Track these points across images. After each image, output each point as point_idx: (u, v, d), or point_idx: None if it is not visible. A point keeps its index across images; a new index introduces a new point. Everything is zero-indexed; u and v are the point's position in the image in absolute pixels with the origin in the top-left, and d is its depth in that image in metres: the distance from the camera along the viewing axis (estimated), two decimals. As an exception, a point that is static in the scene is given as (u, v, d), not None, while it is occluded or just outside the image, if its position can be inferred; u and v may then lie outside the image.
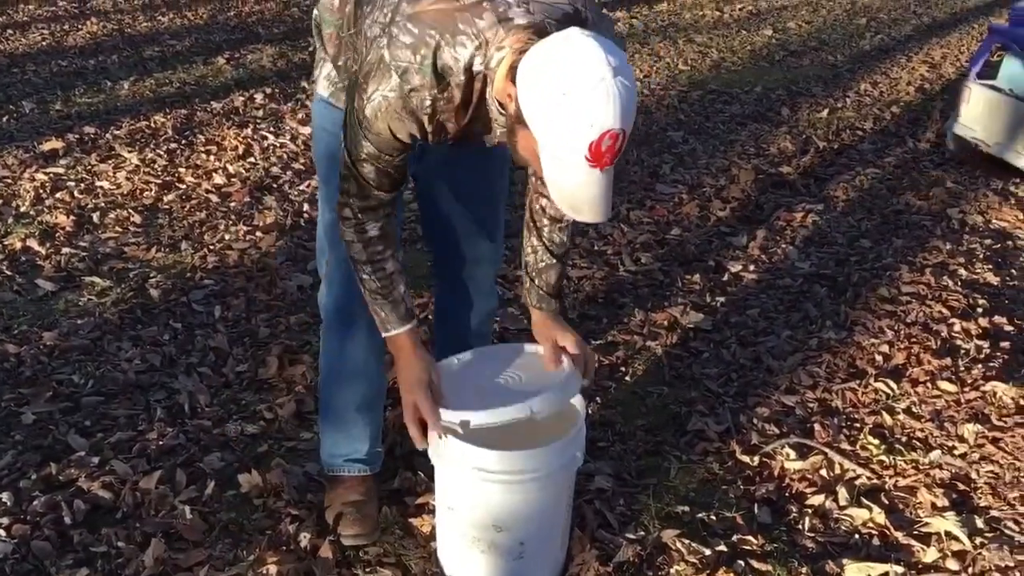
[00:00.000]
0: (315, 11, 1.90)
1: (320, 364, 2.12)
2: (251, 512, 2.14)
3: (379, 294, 1.76)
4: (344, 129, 1.64)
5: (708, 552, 2.03)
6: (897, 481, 2.30)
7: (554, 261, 1.90)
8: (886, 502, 2.22)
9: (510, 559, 1.83)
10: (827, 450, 2.38)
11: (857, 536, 2.12)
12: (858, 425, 2.51)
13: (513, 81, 1.40)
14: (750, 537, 2.10)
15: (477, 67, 1.47)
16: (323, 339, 2.10)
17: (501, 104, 1.49)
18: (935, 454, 2.39)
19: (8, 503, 2.12)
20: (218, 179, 4.10)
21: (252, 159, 4.36)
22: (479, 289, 2.20)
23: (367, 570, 1.97)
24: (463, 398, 1.77)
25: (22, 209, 3.71)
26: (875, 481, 2.30)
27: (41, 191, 3.89)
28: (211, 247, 3.46)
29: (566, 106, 1.31)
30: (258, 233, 3.57)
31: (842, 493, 2.24)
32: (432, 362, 1.80)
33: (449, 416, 1.71)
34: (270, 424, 2.46)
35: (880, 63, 6.79)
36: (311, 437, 2.39)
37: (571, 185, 1.39)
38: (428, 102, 1.51)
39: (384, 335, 1.79)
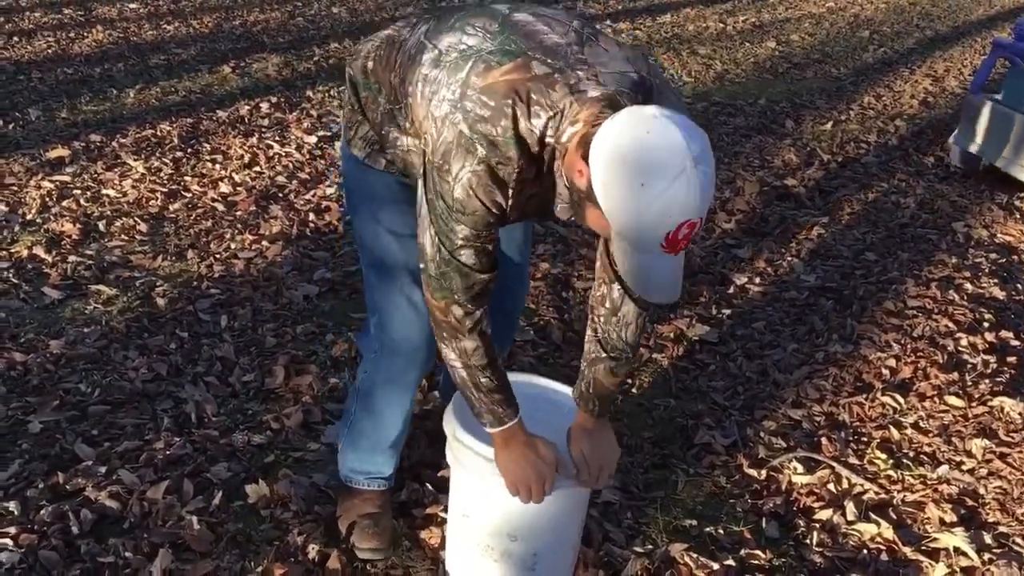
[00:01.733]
0: (349, 69, 1.82)
1: (359, 389, 2.04)
2: (258, 523, 2.13)
3: (496, 392, 1.66)
4: (427, 228, 1.55)
5: (716, 566, 2.03)
6: (905, 496, 2.30)
7: (604, 355, 1.74)
8: (894, 517, 2.22)
9: (523, 570, 1.83)
10: (835, 464, 2.38)
11: (865, 551, 2.12)
12: (865, 439, 2.51)
13: (584, 158, 1.35)
14: (758, 551, 2.09)
15: (549, 139, 1.43)
16: (371, 369, 2.00)
17: (570, 180, 1.44)
18: (943, 469, 2.38)
19: (15, 512, 2.12)
20: (224, 188, 4.10)
21: (258, 168, 4.37)
22: (504, 330, 2.15)
23: (375, 582, 1.96)
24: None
25: (28, 217, 3.71)
26: (883, 496, 2.30)
27: (47, 199, 3.89)
28: (217, 256, 3.47)
29: (645, 198, 1.26)
30: (264, 242, 3.58)
31: (850, 508, 2.24)
32: (549, 446, 1.72)
33: None
34: (277, 434, 2.45)
35: (883, 76, 6.81)
36: (318, 448, 2.39)
37: (643, 269, 1.36)
38: (515, 173, 1.46)
39: (494, 430, 1.68)
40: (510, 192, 1.47)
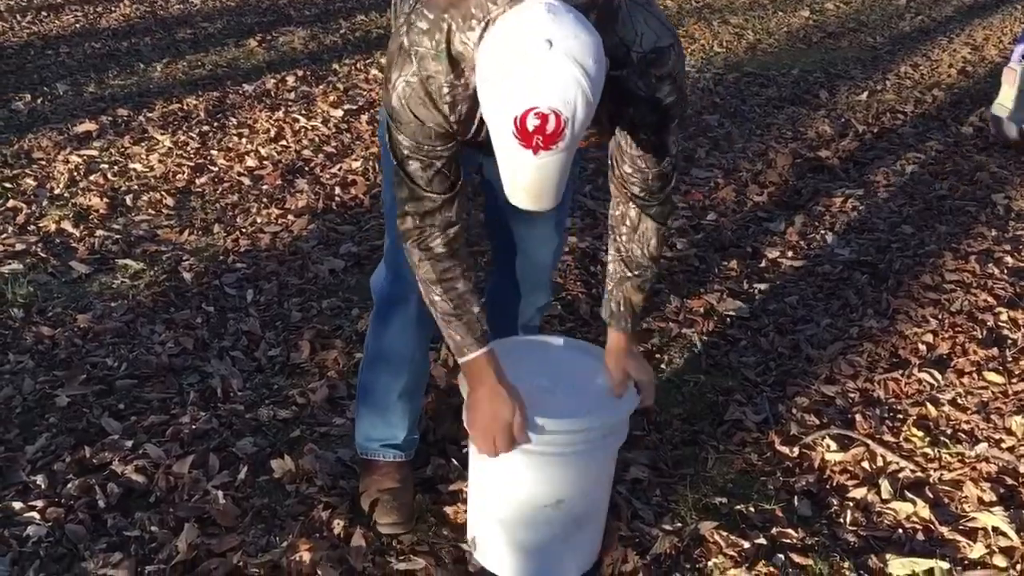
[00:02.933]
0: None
1: (365, 346, 2.09)
2: (284, 498, 2.12)
3: (452, 316, 1.66)
4: (388, 132, 1.58)
5: (747, 545, 1.99)
6: (942, 475, 2.24)
7: (630, 274, 1.75)
8: (931, 496, 2.17)
9: (556, 541, 1.81)
10: (869, 442, 2.33)
11: (901, 530, 2.07)
12: (901, 416, 2.45)
13: None
14: (790, 530, 2.05)
15: None
16: (371, 322, 2.06)
17: None
18: (982, 447, 2.32)
19: (43, 486, 2.12)
20: (250, 162, 4.09)
21: (284, 142, 4.35)
22: (535, 285, 2.17)
23: (400, 558, 1.94)
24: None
25: (56, 191, 3.72)
26: (919, 474, 2.24)
27: (75, 173, 3.89)
28: (243, 230, 3.45)
29: (497, 82, 1.25)
30: (290, 216, 3.56)
31: (885, 486, 2.19)
32: (517, 396, 1.67)
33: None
34: (302, 409, 2.44)
35: (921, 45, 6.64)
36: (344, 423, 2.37)
37: (507, 168, 1.32)
38: (446, 89, 1.46)
39: (460, 360, 1.69)
40: (444, 108, 1.47)
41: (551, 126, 1.24)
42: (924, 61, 6.19)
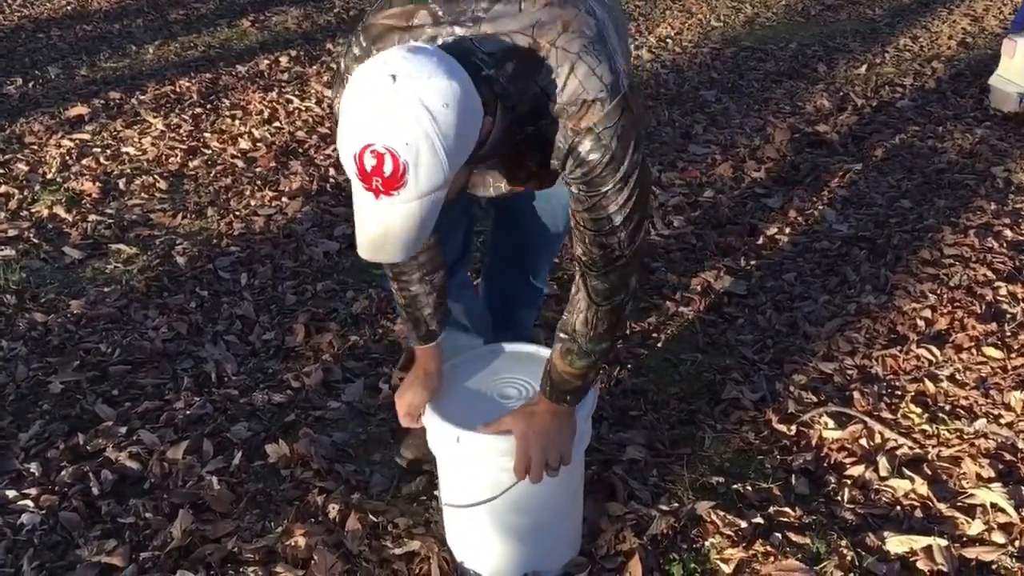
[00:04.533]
0: None
1: None
2: (279, 483, 2.11)
3: (404, 309, 1.77)
4: None
5: (744, 524, 1.97)
6: (940, 451, 2.22)
7: (560, 335, 1.61)
8: (929, 473, 2.15)
9: (528, 543, 1.79)
10: (867, 419, 2.31)
11: (898, 508, 2.06)
12: (899, 393, 2.44)
13: None
14: (787, 509, 2.04)
15: None
16: None
17: None
18: (980, 423, 2.31)
19: (36, 473, 2.11)
20: (244, 144, 4.06)
21: (277, 123, 4.31)
22: (528, 301, 2.25)
23: (396, 541, 1.93)
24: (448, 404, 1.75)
25: (48, 176, 3.69)
26: (917, 451, 2.23)
27: (67, 157, 3.87)
28: (237, 213, 3.43)
29: (343, 113, 1.20)
30: (284, 199, 3.53)
31: (883, 463, 2.17)
32: (432, 388, 1.75)
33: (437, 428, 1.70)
34: (297, 393, 2.43)
35: (920, 17, 6.57)
36: (339, 406, 2.36)
37: (356, 212, 1.26)
38: None
39: (405, 344, 1.76)
40: None
41: (388, 168, 1.16)
42: (924, 33, 6.13)
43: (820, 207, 3.51)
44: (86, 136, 4.09)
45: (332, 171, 3.78)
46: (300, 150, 4.01)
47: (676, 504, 2.05)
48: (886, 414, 2.36)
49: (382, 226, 1.23)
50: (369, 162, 1.17)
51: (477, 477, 1.70)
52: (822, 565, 1.88)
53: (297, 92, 4.70)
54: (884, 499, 2.09)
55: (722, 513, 2.00)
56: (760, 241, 3.26)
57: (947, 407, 2.38)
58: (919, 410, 2.36)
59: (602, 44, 1.37)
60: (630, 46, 1.60)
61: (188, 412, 2.33)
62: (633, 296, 1.61)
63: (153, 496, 2.06)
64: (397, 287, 1.74)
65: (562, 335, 1.61)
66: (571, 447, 1.67)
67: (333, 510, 2.00)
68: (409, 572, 1.86)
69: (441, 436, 1.70)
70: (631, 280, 1.56)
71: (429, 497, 2.07)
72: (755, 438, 2.28)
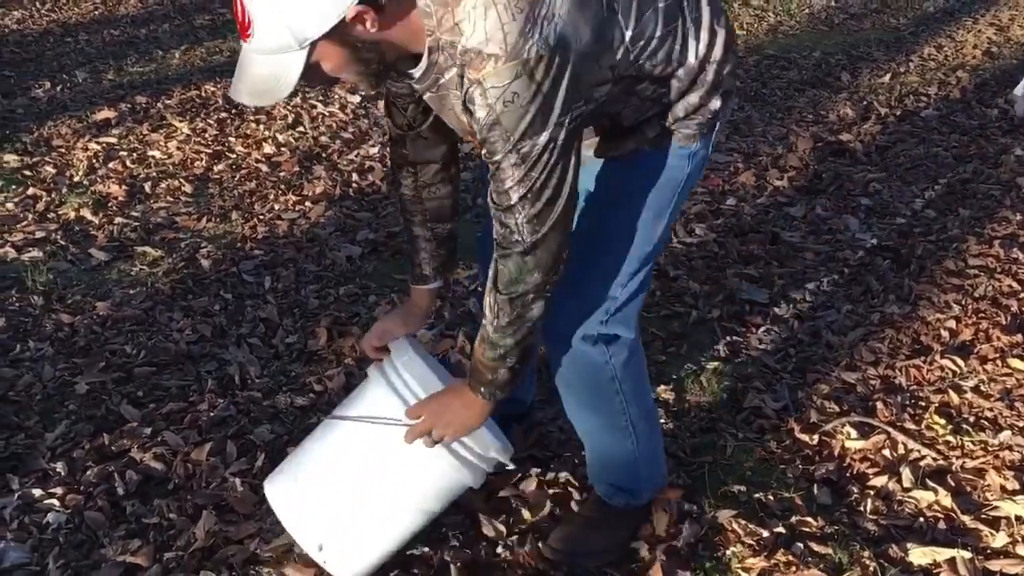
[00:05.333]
0: None
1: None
2: (301, 485, 2.12)
3: (406, 243, 1.86)
4: None
5: (766, 533, 1.97)
6: (964, 463, 2.21)
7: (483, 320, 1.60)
8: (953, 484, 2.14)
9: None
10: (890, 429, 2.30)
11: (922, 519, 2.05)
12: (923, 404, 2.42)
13: None
14: (809, 519, 2.03)
15: None
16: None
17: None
18: (1005, 435, 2.29)
19: (62, 473, 2.14)
20: (268, 148, 4.09)
21: (301, 128, 4.34)
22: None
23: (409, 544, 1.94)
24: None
25: (76, 179, 3.74)
26: (941, 462, 2.22)
27: (94, 161, 3.91)
28: (261, 217, 3.46)
29: None
30: (307, 203, 3.56)
31: (906, 474, 2.16)
32: (413, 326, 1.88)
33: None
34: (319, 396, 2.44)
35: (945, 26, 6.54)
36: (360, 410, 2.37)
37: None
38: None
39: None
40: None
41: (239, 14, 1.32)
42: (948, 42, 6.10)
43: (843, 216, 3.50)
44: (113, 140, 4.13)
45: (355, 176, 3.80)
46: (323, 155, 4.04)
47: (698, 512, 2.04)
48: (910, 425, 2.34)
49: (239, 66, 1.37)
50: (235, 7, 1.33)
51: (374, 408, 1.71)
52: (844, 576, 1.87)
53: (321, 98, 4.73)
54: (907, 510, 2.08)
55: (744, 522, 2.00)
56: (782, 250, 3.25)
57: (971, 418, 2.36)
58: (943, 421, 2.34)
59: (530, 4, 1.32)
60: (626, 31, 1.46)
61: (212, 414, 2.35)
62: (543, 297, 1.50)
63: (177, 497, 2.07)
64: (403, 221, 1.83)
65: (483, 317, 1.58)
66: (461, 435, 1.65)
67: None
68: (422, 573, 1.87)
69: (388, 363, 1.75)
70: (535, 275, 1.47)
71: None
72: (777, 447, 2.28)
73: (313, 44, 1.30)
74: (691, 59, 1.56)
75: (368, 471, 1.72)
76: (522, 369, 1.60)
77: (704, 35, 1.57)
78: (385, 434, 1.68)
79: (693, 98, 1.60)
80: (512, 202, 1.42)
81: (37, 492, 2.07)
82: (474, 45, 1.33)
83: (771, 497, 2.10)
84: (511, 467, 1.83)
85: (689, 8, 1.56)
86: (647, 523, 1.98)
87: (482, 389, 1.61)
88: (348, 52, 1.35)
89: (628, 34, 1.46)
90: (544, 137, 1.37)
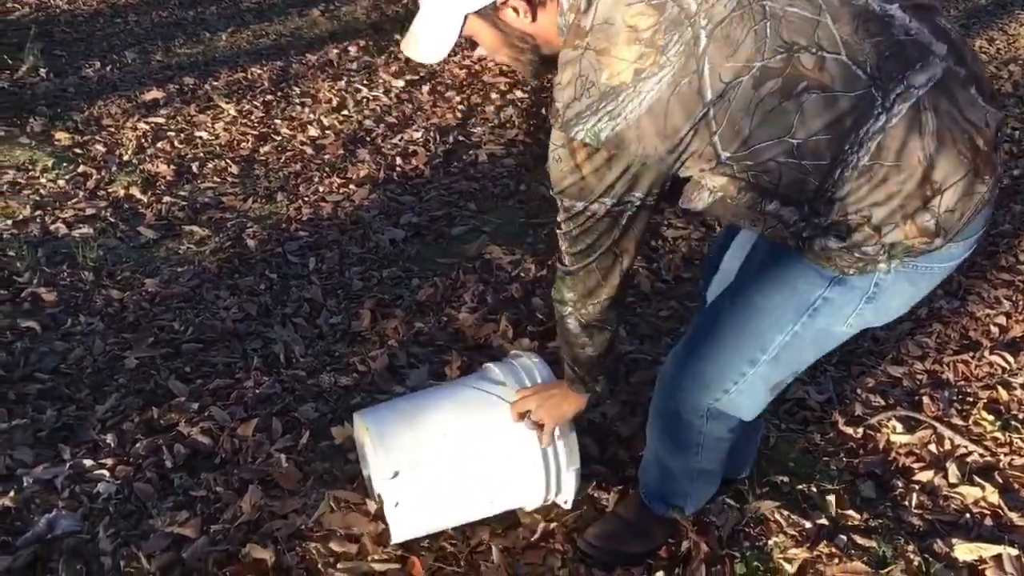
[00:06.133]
0: None
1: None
2: (344, 463, 2.14)
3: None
4: None
5: (808, 525, 1.96)
6: (1013, 459, 2.18)
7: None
8: (1000, 481, 2.11)
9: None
10: (937, 424, 2.27)
11: (968, 515, 2.02)
12: (971, 400, 2.39)
13: None
14: (852, 512, 2.02)
15: None
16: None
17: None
18: (1055, 433, 2.25)
19: (112, 444, 2.18)
20: (313, 131, 4.12)
21: (346, 112, 4.37)
22: None
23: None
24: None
25: (125, 158, 3.79)
26: (988, 459, 2.19)
27: (143, 140, 3.96)
28: (306, 199, 3.48)
29: None
30: (351, 186, 3.58)
31: (952, 470, 2.14)
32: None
33: None
34: (363, 376, 2.46)
35: (997, 19, 6.41)
36: (403, 391, 2.39)
37: None
38: None
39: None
40: None
41: None
42: (1000, 35, 5.98)
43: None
44: (161, 120, 4.18)
45: (399, 160, 3.81)
46: (368, 139, 4.06)
47: (740, 502, 2.03)
48: (957, 420, 2.31)
49: (413, 23, 1.44)
50: None
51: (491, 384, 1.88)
52: (888, 569, 1.86)
53: (365, 81, 4.75)
54: (953, 506, 2.06)
55: (786, 513, 1.99)
56: (828, 242, 3.21)
57: (1020, 415, 2.33)
58: (991, 417, 2.31)
59: (602, 94, 1.28)
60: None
61: (257, 391, 2.38)
62: (575, 318, 1.58)
63: (224, 471, 2.11)
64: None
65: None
66: (556, 421, 1.79)
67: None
68: (455, 552, 1.88)
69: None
70: (569, 294, 1.55)
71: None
72: (821, 439, 2.26)
73: (466, 17, 1.38)
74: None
75: (462, 430, 1.82)
76: (580, 367, 1.69)
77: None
78: (492, 404, 1.83)
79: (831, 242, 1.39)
80: (559, 230, 1.48)
81: (88, 462, 2.11)
82: (556, 85, 1.35)
83: (814, 489, 2.08)
84: (567, 505, 1.92)
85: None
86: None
87: (568, 382, 1.75)
88: (498, 35, 1.42)
89: (724, 153, 1.31)
90: (580, 205, 1.40)
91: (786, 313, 1.50)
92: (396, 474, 1.75)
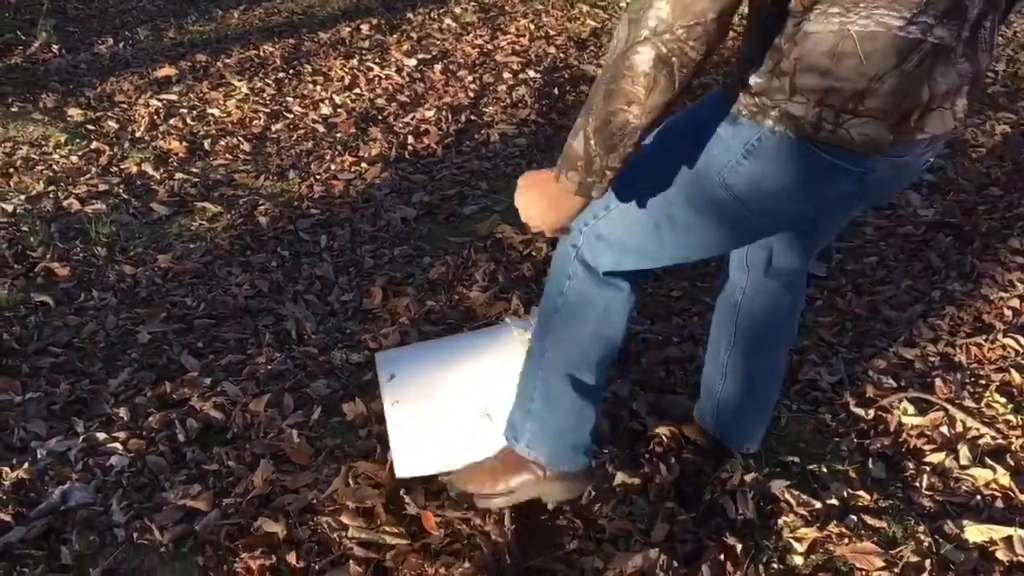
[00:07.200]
0: None
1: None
2: (355, 439, 2.15)
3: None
4: None
5: (818, 505, 1.96)
6: (1024, 442, 2.17)
7: None
8: (1012, 463, 2.10)
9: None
10: (948, 406, 2.27)
11: (979, 497, 2.02)
12: (983, 382, 2.38)
13: None
14: (863, 492, 2.02)
15: None
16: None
17: None
18: (1067, 416, 2.25)
19: (125, 418, 2.19)
20: (324, 109, 4.11)
21: (358, 90, 4.36)
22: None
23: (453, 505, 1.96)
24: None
25: (137, 134, 3.79)
26: (1000, 441, 2.18)
27: (155, 117, 3.96)
28: (317, 176, 3.48)
29: None
30: (363, 164, 3.57)
31: (963, 452, 2.13)
32: None
33: None
34: (374, 353, 2.46)
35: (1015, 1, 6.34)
36: (415, 368, 2.39)
37: None
38: None
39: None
40: None
41: None
42: (1017, 18, 5.91)
43: (905, 191, 3.43)
44: (173, 97, 4.18)
45: (411, 139, 3.80)
46: (379, 117, 4.05)
47: (751, 481, 2.03)
48: (969, 403, 2.31)
49: None
50: None
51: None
52: (898, 549, 1.86)
53: (377, 60, 4.74)
54: (964, 488, 2.05)
55: (796, 492, 1.99)
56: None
57: (1033, 399, 2.32)
58: (1003, 400, 2.30)
59: None
60: None
61: (269, 367, 2.38)
62: (651, 45, 1.23)
63: (236, 445, 2.12)
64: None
65: None
66: (540, 222, 1.49)
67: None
68: (458, 531, 1.89)
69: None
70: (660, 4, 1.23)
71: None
72: (832, 420, 2.26)
73: None
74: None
75: (463, 359, 1.93)
76: (603, 141, 1.33)
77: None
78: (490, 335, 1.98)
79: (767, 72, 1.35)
80: None
81: (101, 436, 2.13)
82: None
83: (825, 469, 2.08)
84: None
85: None
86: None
87: (560, 173, 1.40)
88: None
89: None
90: None
91: (684, 137, 1.46)
92: (392, 376, 1.89)
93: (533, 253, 2.95)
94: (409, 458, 1.85)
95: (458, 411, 1.85)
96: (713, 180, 1.43)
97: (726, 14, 1.22)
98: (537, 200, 1.48)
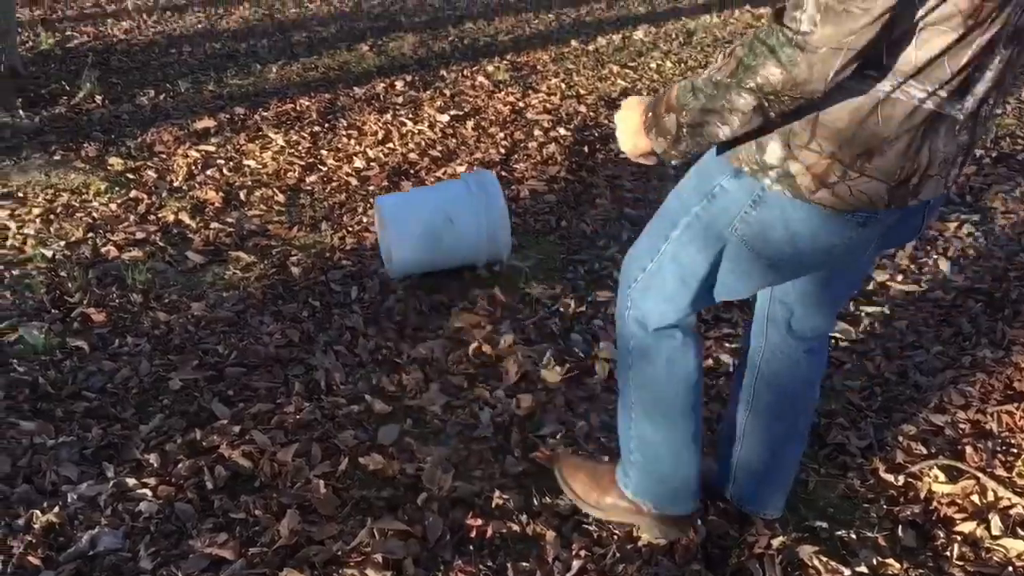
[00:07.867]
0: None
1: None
2: (382, 490, 2.16)
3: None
4: None
5: (847, 572, 1.93)
6: (1058, 514, 2.14)
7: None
8: (1045, 536, 2.07)
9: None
10: (980, 475, 2.24)
11: (1011, 568, 1.98)
12: (1015, 451, 2.36)
13: None
14: (892, 560, 1.99)
15: None
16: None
17: None
18: (1102, 489, 2.21)
19: (155, 464, 2.21)
20: (358, 163, 4.19)
21: (391, 144, 4.44)
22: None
23: (481, 554, 1.96)
24: None
25: (175, 184, 3.87)
26: (1033, 512, 2.15)
27: (193, 167, 4.05)
28: (349, 228, 3.54)
29: None
30: (395, 217, 3.62)
31: (995, 522, 2.10)
32: None
33: None
34: (400, 401, 2.48)
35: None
36: (444, 421, 2.40)
37: None
38: None
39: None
40: None
41: None
42: (1049, 85, 5.93)
43: (935, 256, 3.43)
44: (211, 148, 4.28)
45: (442, 193, 3.86)
46: (412, 171, 4.12)
47: (778, 546, 2.01)
48: (1000, 471, 2.28)
49: None
50: None
51: None
52: (929, 621, 1.83)
53: (411, 115, 4.83)
54: (995, 558, 2.02)
55: (825, 559, 1.96)
56: (871, 287, 3.20)
57: (1066, 469, 2.29)
58: (1036, 470, 2.27)
59: None
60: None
61: (298, 416, 2.40)
62: (754, 93, 1.33)
63: (263, 494, 2.13)
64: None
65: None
66: (623, 146, 1.65)
67: (431, 517, 2.04)
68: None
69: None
70: (800, 28, 1.26)
71: (519, 510, 2.08)
72: (861, 486, 2.24)
73: None
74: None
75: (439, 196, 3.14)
76: (692, 130, 1.46)
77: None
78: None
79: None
80: None
81: (131, 481, 2.15)
82: None
83: (853, 536, 2.06)
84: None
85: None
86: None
87: (649, 115, 1.54)
88: None
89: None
90: None
91: (692, 196, 1.62)
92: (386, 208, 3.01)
93: (561, 309, 2.97)
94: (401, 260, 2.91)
95: (432, 220, 3.02)
96: (725, 233, 1.58)
97: (829, 89, 1.32)
98: (626, 129, 1.63)
